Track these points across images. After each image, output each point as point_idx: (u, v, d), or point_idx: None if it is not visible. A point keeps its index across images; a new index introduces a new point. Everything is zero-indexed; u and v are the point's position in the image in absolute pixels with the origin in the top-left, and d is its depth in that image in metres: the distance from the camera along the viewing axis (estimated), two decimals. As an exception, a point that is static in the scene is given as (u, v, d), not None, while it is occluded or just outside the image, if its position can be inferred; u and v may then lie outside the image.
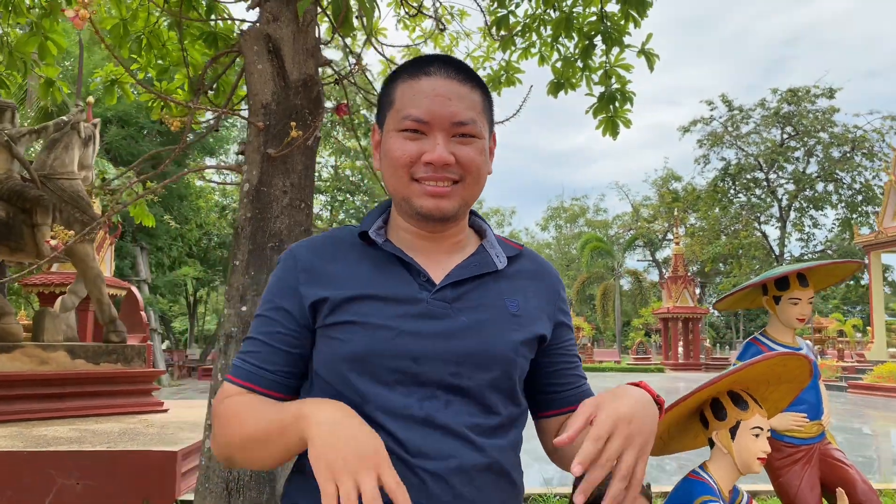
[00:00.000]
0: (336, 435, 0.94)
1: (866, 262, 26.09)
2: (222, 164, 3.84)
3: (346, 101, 3.77)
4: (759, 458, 2.51)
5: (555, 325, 1.19)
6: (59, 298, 8.97)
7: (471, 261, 1.17)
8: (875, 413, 14.62)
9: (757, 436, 2.50)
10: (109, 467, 5.65)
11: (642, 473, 0.93)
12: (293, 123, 3.23)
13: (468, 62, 4.86)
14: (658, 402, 1.02)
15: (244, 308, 3.23)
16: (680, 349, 34.39)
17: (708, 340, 45.76)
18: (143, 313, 10.81)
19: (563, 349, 1.20)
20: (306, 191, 3.45)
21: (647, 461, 0.96)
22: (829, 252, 42.29)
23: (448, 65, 1.11)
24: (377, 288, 1.11)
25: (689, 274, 34.34)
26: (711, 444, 2.61)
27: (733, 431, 2.52)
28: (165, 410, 8.39)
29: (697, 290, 38.70)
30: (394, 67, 1.43)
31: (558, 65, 5.33)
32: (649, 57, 4.94)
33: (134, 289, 11.25)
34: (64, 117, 8.25)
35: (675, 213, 42.40)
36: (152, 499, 5.63)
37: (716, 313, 54.70)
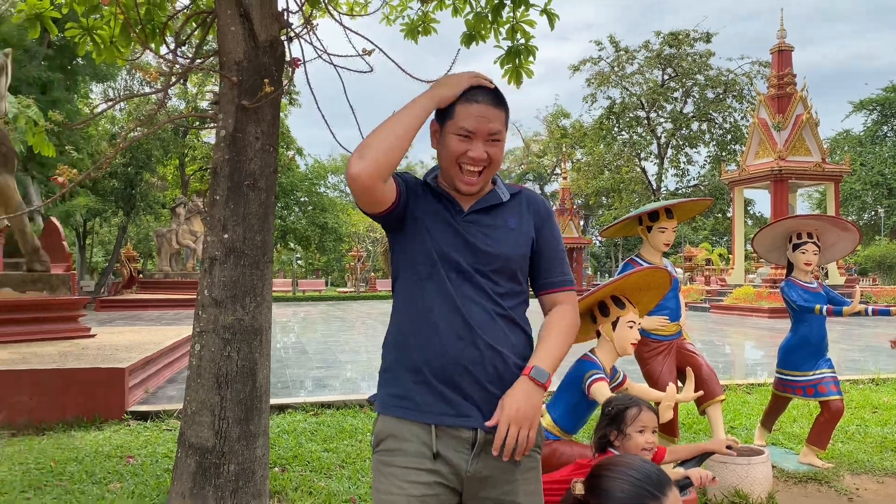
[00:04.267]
0: (453, 77, 1.83)
1: (731, 196, 28.67)
2: (191, 112, 4.36)
3: (299, 58, 4.34)
4: (632, 344, 3.47)
5: (538, 229, 1.93)
6: (-23, 229, 8.97)
7: (486, 198, 1.90)
8: (731, 329, 16.72)
9: (631, 327, 3.46)
10: (61, 384, 6.12)
11: (533, 436, 1.65)
12: (266, 80, 3.81)
13: (386, 10, 5.52)
14: (544, 386, 1.71)
15: (226, 235, 3.85)
16: (565, 277, 36.56)
17: (590, 269, 48.75)
18: (64, 243, 10.84)
19: (547, 245, 1.93)
20: (273, 137, 4.07)
21: (536, 427, 1.66)
22: (701, 187, 45.66)
23: (489, 94, 1.81)
24: (431, 209, 1.88)
25: (574, 207, 36.34)
26: (598, 335, 3.55)
27: (614, 324, 3.46)
28: (93, 336, 8.75)
29: (582, 222, 41.00)
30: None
31: (470, 17, 6.01)
32: (550, 17, 5.70)
33: (54, 219, 11.20)
34: (-25, 46, 8.14)
35: (564, 149, 44.34)
36: (103, 412, 6.17)
37: (597, 244, 58.10)
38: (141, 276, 28.13)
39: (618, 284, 3.47)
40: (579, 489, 1.59)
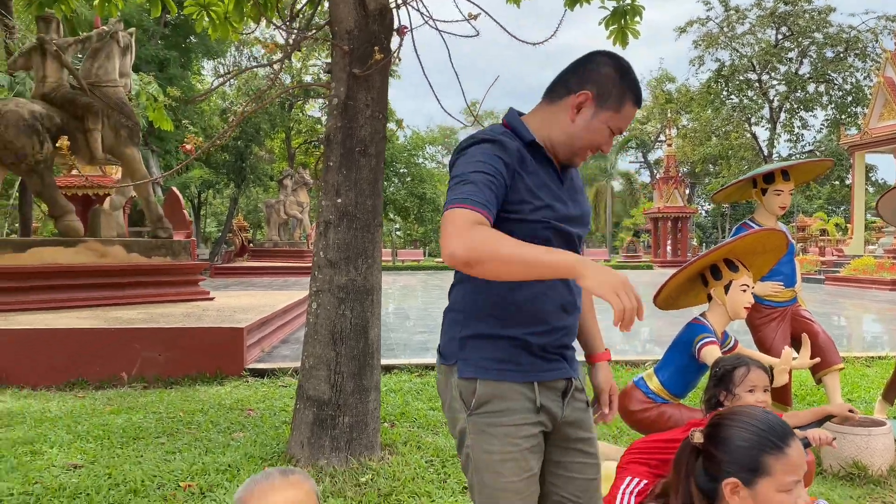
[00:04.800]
0: (604, 272, 1.55)
1: (850, 162, 26.88)
2: (305, 83, 4.53)
3: (406, 25, 4.42)
4: (744, 308, 3.39)
5: None
6: (108, 198, 9.69)
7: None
8: (848, 301, 15.83)
9: (744, 291, 3.38)
10: (186, 341, 6.57)
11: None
12: (375, 48, 3.92)
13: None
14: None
15: (339, 200, 4.02)
16: (668, 248, 35.68)
17: (695, 240, 47.13)
18: (185, 212, 11.56)
19: None
20: (382, 104, 4.18)
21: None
22: (817, 153, 43.04)
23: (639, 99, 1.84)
24: (538, 179, 1.88)
25: (679, 175, 35.14)
26: (709, 298, 3.49)
27: (726, 288, 3.39)
28: (212, 299, 9.32)
29: (687, 191, 39.58)
30: None
31: (577, -20, 5.90)
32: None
33: (175, 189, 11.95)
34: (104, 27, 8.71)
35: (668, 115, 42.78)
36: (224, 368, 6.59)
37: (703, 213, 55.93)
38: (251, 245, 29.52)
39: (732, 247, 3.38)
40: (698, 438, 1.60)
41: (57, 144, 7.65)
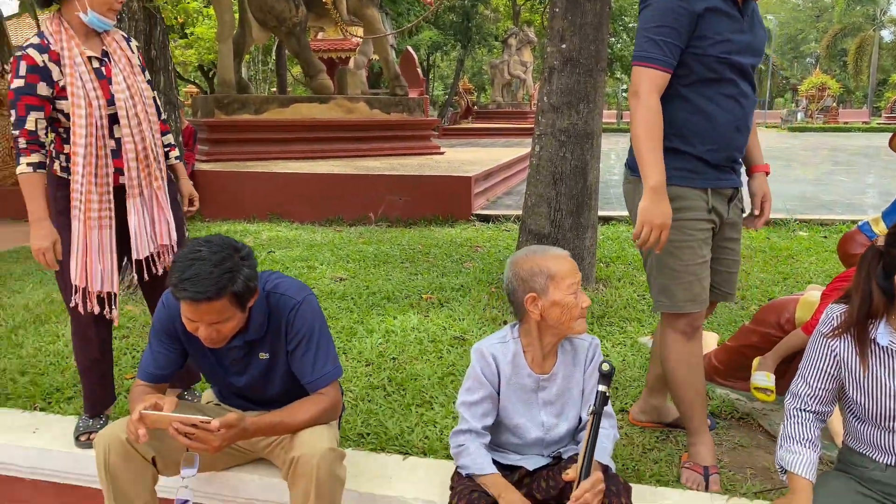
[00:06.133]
0: (659, 208, 2.06)
1: None
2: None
3: None
4: None
5: None
6: (352, 58, 10.61)
7: None
8: None
9: None
10: (422, 188, 7.31)
11: None
12: None
13: None
14: None
15: (564, 45, 4.21)
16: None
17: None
18: (418, 70, 12.29)
19: None
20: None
21: None
22: None
23: None
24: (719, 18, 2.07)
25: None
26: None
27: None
28: (443, 153, 10.06)
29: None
30: None
31: None
32: None
33: (410, 49, 12.69)
34: None
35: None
36: (454, 212, 7.27)
37: None
38: (476, 107, 30.26)
39: None
40: (881, 241, 1.72)
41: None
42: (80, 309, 2.35)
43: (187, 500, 1.86)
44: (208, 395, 2.28)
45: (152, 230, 2.46)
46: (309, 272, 4.99)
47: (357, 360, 3.28)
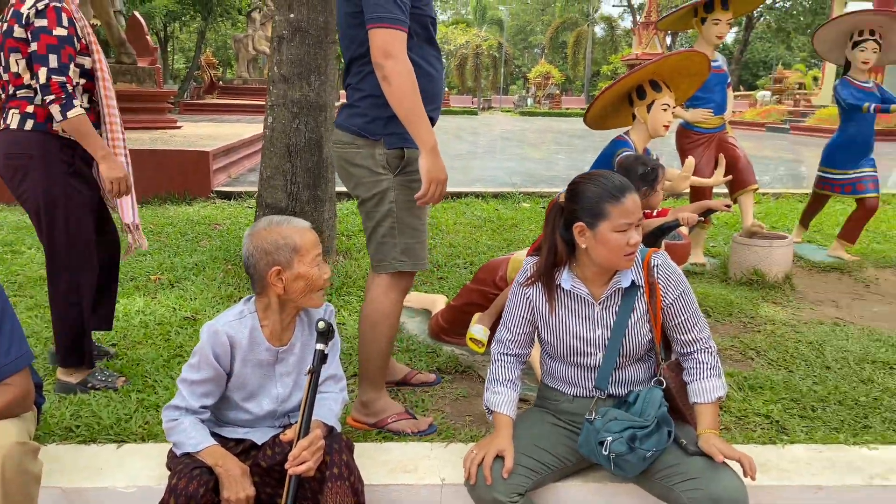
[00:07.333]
0: (440, 165, 2.09)
1: (830, 8, 26.38)
2: None
3: None
4: (664, 126, 3.69)
5: None
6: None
7: None
8: (807, 151, 16.27)
9: (665, 110, 3.65)
10: (155, 164, 6.79)
11: None
12: None
13: None
14: None
15: (292, 15, 4.12)
16: (644, 96, 35.34)
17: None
18: (148, 38, 11.28)
19: None
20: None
21: None
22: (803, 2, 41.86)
23: None
24: None
25: (661, 18, 34.27)
26: (633, 118, 3.77)
27: (649, 107, 3.67)
28: (179, 127, 9.42)
29: (668, 39, 38.79)
30: None
31: None
32: None
33: (137, 14, 11.59)
34: None
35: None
36: (192, 190, 6.87)
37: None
38: (220, 82, 28.79)
39: (655, 67, 3.62)
40: (563, 197, 1.95)
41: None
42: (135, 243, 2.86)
43: None
44: None
45: None
46: (14, 257, 4.41)
47: (69, 349, 2.96)
